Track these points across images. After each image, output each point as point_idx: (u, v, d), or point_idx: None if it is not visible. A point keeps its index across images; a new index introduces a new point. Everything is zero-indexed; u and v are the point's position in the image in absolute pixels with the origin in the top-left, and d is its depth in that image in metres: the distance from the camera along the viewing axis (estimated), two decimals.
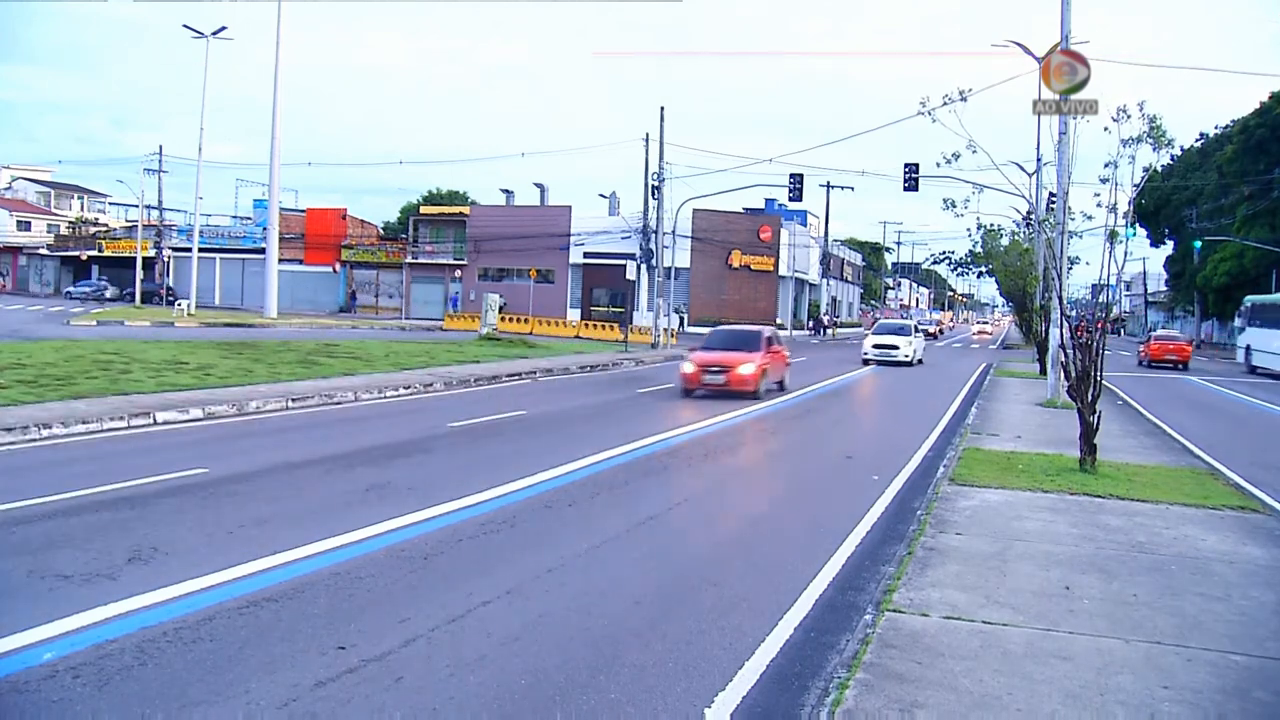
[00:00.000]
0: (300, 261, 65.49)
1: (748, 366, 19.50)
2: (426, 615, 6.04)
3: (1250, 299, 42.64)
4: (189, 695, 4.79)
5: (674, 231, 44.98)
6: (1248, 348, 39.89)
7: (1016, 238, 36.23)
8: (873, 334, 35.55)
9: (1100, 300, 15.49)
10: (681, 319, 57.75)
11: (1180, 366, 39.36)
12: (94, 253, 73.35)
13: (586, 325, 50.62)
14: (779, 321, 60.41)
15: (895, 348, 33.10)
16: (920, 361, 34.55)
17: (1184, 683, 5.22)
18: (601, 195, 67.33)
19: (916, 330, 37.07)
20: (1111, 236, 13.31)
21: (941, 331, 76.56)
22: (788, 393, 21.35)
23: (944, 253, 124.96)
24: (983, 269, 73.54)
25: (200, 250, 56.18)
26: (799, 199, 37.60)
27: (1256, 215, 55.63)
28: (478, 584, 6.72)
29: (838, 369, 31.15)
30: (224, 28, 49.35)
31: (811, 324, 63.76)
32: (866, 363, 32.80)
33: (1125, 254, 14.17)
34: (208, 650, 5.36)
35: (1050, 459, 12.70)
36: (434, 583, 6.78)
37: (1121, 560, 7.74)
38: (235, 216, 78.10)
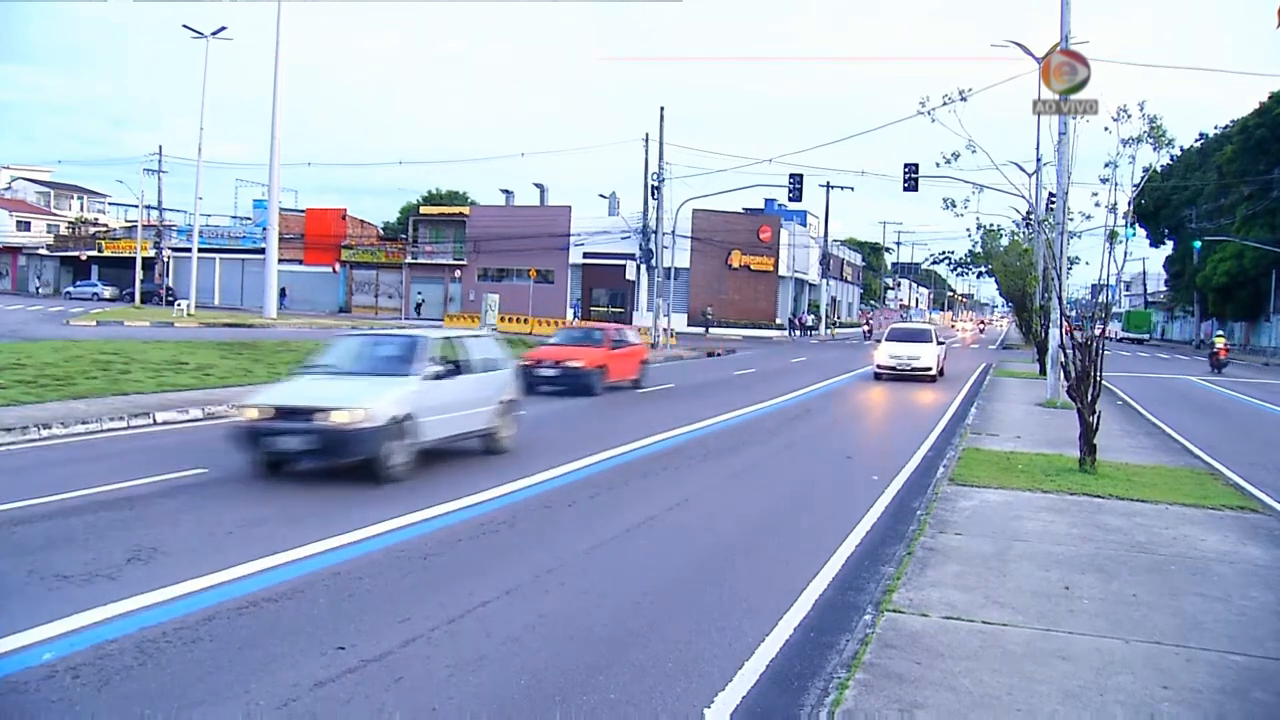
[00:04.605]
0: (300, 262, 65.46)
1: None
2: (426, 615, 6.04)
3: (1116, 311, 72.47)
4: (189, 695, 4.79)
5: (674, 231, 44.86)
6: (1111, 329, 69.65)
7: (1016, 238, 36.23)
8: (887, 340, 29.19)
9: (1100, 300, 15.48)
10: (707, 321, 55.92)
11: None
12: (94, 253, 73.25)
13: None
14: (778, 321, 60.32)
15: (916, 358, 27.18)
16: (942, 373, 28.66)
17: (1184, 683, 5.21)
18: (601, 195, 67.33)
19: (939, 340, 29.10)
20: (1111, 236, 13.30)
21: None
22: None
23: (944, 253, 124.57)
24: (983, 269, 73.59)
25: (200, 250, 56.07)
26: (799, 199, 37.55)
27: (1256, 215, 55.70)
28: (477, 584, 6.72)
29: (834, 370, 31.16)
30: (224, 28, 49.28)
31: (797, 324, 62.29)
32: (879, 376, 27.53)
33: (1125, 254, 14.20)
34: (208, 650, 5.36)
35: (1050, 459, 12.70)
36: (434, 583, 6.78)
37: (1121, 560, 7.74)
38: (235, 216, 78.11)
